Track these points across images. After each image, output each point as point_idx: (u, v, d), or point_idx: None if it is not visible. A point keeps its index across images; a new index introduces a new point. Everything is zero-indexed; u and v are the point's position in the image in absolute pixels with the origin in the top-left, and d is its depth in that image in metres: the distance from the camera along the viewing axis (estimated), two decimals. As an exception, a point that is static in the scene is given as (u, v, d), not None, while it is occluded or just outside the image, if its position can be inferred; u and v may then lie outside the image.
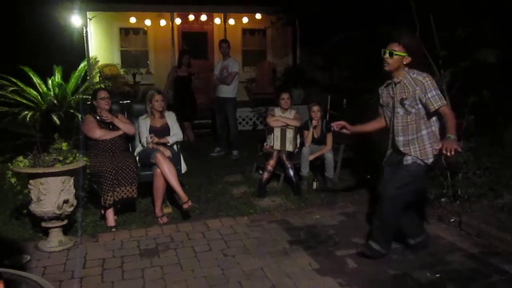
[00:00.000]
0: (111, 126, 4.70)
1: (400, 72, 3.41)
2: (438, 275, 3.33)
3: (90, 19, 9.71)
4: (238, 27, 11.39)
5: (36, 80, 6.76)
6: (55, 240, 3.87)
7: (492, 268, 3.43)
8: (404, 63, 3.38)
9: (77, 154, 3.96)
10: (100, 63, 10.27)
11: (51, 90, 6.74)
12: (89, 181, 4.38)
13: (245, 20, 11.25)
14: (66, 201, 3.79)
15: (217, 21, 11.06)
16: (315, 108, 5.64)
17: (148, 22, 10.88)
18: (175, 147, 4.93)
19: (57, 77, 6.85)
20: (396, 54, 3.35)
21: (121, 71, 10.71)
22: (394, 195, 3.40)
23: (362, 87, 5.50)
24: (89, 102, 4.93)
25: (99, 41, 10.68)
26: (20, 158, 3.79)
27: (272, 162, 5.39)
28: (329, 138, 5.64)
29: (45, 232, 3.94)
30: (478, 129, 4.84)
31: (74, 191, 3.92)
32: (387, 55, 3.38)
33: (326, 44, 6.80)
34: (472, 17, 4.74)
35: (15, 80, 6.53)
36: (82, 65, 7.31)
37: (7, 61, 6.63)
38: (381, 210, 3.50)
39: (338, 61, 8.91)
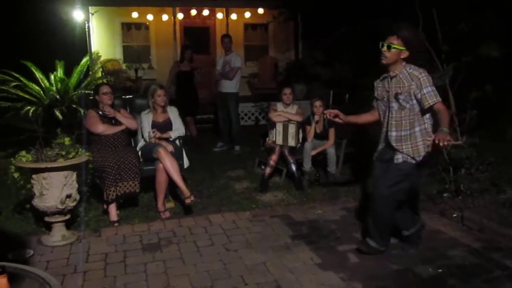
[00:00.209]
0: (113, 121, 4.70)
1: (397, 66, 3.38)
2: (440, 270, 3.33)
3: (92, 14, 9.71)
4: (240, 22, 11.37)
5: (39, 75, 6.77)
6: (58, 235, 3.89)
7: (494, 263, 3.43)
8: (402, 57, 3.35)
9: (80, 149, 3.96)
10: (102, 58, 10.27)
11: (54, 85, 6.74)
12: (92, 176, 4.39)
13: (247, 14, 11.22)
14: (68, 196, 3.80)
15: (219, 16, 11.04)
16: (317, 103, 5.63)
17: (150, 17, 10.86)
18: (177, 142, 4.93)
19: (60, 72, 6.85)
20: (394, 48, 3.32)
21: (123, 66, 10.71)
22: (386, 194, 3.39)
23: (364, 82, 5.49)
24: (91, 97, 4.94)
25: (101, 36, 10.67)
26: (23, 153, 3.80)
27: (274, 157, 5.39)
28: (331, 133, 5.63)
29: (48, 226, 3.96)
30: (481, 124, 4.82)
31: (76, 186, 3.93)
32: (384, 48, 3.34)
33: (328, 38, 6.78)
34: (475, 12, 4.72)
35: (17, 75, 6.53)
36: (84, 60, 7.30)
37: (10, 56, 6.63)
38: (375, 209, 3.49)
39: (340, 55, 8.89)
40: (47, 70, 6.85)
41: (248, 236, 4.01)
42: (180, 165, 4.66)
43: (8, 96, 6.39)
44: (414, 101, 3.33)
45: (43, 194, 3.76)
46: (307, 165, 5.49)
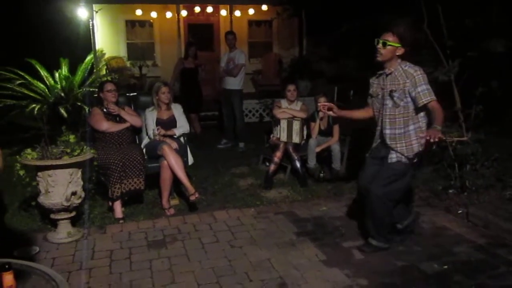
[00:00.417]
0: (118, 119, 4.71)
1: (393, 63, 3.36)
2: (445, 266, 3.33)
3: (96, 12, 9.70)
4: (244, 19, 11.34)
5: (43, 73, 6.79)
6: (64, 232, 3.91)
7: (499, 259, 3.42)
8: (397, 54, 3.33)
9: (85, 147, 3.98)
10: (106, 56, 10.28)
11: (58, 83, 6.76)
12: (97, 173, 4.40)
13: (251, 11, 11.19)
14: (74, 193, 3.82)
15: (223, 12, 11.02)
16: (322, 99, 5.59)
17: (154, 14, 10.85)
18: (181, 139, 4.94)
19: (64, 70, 6.88)
20: (389, 45, 3.30)
21: (128, 64, 10.72)
22: (380, 194, 3.38)
23: (368, 78, 5.48)
24: (95, 95, 4.95)
25: (105, 34, 10.67)
26: (28, 150, 3.81)
27: (278, 154, 5.38)
28: (336, 129, 5.62)
29: (54, 223, 3.98)
30: (486, 120, 4.79)
31: (82, 183, 3.94)
32: (380, 45, 3.33)
33: (332, 35, 6.76)
34: (480, 6, 4.69)
35: (22, 73, 6.56)
36: (88, 57, 7.33)
37: (14, 54, 6.66)
38: (371, 209, 3.48)
39: (344, 52, 8.86)
40: (52, 68, 6.88)
41: (253, 232, 4.01)
42: (185, 162, 4.67)
43: (13, 94, 6.43)
44: (409, 99, 3.31)
45: (49, 192, 3.78)
46: (312, 162, 5.48)
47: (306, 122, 5.68)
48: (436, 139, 2.98)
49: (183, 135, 4.97)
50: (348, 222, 4.20)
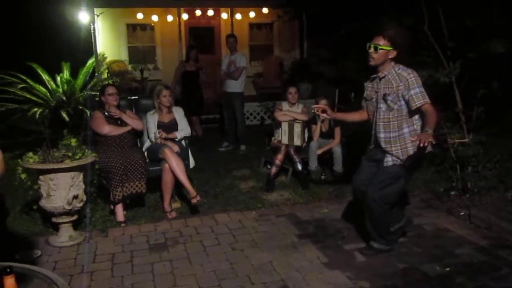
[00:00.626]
0: (119, 122, 4.72)
1: (386, 66, 3.34)
2: (447, 268, 3.32)
3: (98, 16, 9.74)
4: (245, 22, 11.37)
5: (45, 77, 6.81)
6: (66, 235, 3.91)
7: (502, 261, 3.41)
8: (390, 57, 3.31)
9: (86, 150, 3.98)
10: (107, 59, 10.31)
11: (60, 86, 6.78)
12: (98, 177, 4.41)
13: (252, 14, 11.22)
14: (75, 197, 3.82)
15: (224, 16, 11.05)
16: (323, 102, 5.59)
17: (155, 18, 10.89)
18: (183, 142, 4.94)
19: (66, 73, 6.90)
20: (381, 49, 3.28)
21: (129, 67, 10.75)
22: (376, 197, 3.37)
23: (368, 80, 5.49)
24: (97, 98, 4.95)
25: (106, 37, 10.72)
26: (30, 154, 3.82)
27: (280, 156, 5.38)
28: (337, 132, 5.62)
29: (56, 227, 3.98)
30: (488, 121, 4.78)
31: (83, 186, 3.95)
32: (371, 49, 3.30)
33: (333, 37, 6.77)
34: (481, 7, 4.69)
35: (24, 77, 6.58)
36: (90, 61, 7.34)
37: (16, 58, 6.68)
38: (370, 212, 3.47)
39: (345, 54, 8.87)
40: (53, 71, 6.90)
41: (254, 235, 4.01)
42: (186, 165, 4.67)
43: (15, 98, 6.45)
44: (402, 102, 3.29)
45: (50, 195, 3.78)
46: (313, 164, 5.47)
47: (308, 124, 5.68)
48: (426, 144, 2.95)
49: (185, 138, 4.97)
50: (350, 224, 4.19)
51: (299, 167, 5.34)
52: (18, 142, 6.63)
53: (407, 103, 3.27)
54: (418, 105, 3.21)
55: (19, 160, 3.90)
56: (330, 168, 5.61)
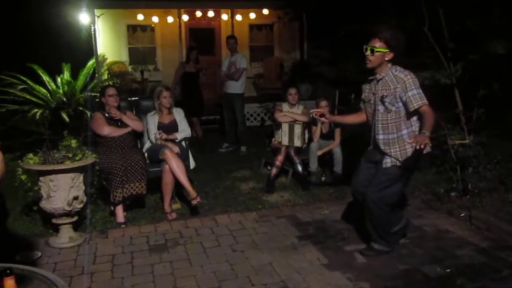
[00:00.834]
0: (119, 123, 4.72)
1: (383, 68, 3.34)
2: (448, 270, 3.31)
3: (98, 17, 9.75)
4: (245, 23, 11.37)
5: (45, 78, 6.81)
6: (66, 236, 3.90)
7: (502, 262, 3.41)
8: (387, 59, 3.30)
9: (86, 151, 3.98)
10: (108, 60, 10.33)
11: (60, 87, 6.77)
12: (98, 178, 4.40)
13: (252, 15, 11.22)
14: (75, 198, 3.82)
15: (224, 17, 11.05)
16: (323, 103, 5.61)
17: (155, 19, 10.90)
18: (183, 143, 4.94)
19: (66, 74, 6.89)
20: (377, 51, 3.28)
21: (129, 68, 10.76)
22: (375, 199, 3.37)
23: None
24: (97, 99, 4.96)
25: (107, 39, 10.72)
26: (30, 155, 3.82)
27: (280, 157, 5.38)
28: (338, 133, 5.62)
29: (56, 228, 3.98)
30: (488, 123, 4.78)
31: (83, 187, 3.95)
32: (368, 52, 3.31)
33: (333, 38, 6.77)
34: (481, 7, 4.68)
35: (24, 78, 6.57)
36: (90, 62, 7.34)
37: (16, 59, 6.68)
38: (370, 214, 3.46)
39: (345, 55, 8.87)
40: (54, 72, 6.89)
41: (255, 236, 4.00)
42: (186, 166, 4.67)
43: (15, 99, 6.44)
44: (400, 104, 3.29)
45: (51, 196, 3.78)
46: (313, 165, 5.48)
47: (308, 125, 5.68)
48: (422, 146, 2.94)
49: (185, 139, 4.97)
50: (350, 225, 4.19)
51: (300, 168, 5.33)
52: (18, 143, 6.61)
53: (405, 104, 3.27)
54: (416, 107, 3.21)
55: (19, 161, 3.90)
56: (331, 169, 5.61)
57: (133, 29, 11.22)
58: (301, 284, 3.18)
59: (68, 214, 3.87)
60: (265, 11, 10.85)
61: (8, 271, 1.84)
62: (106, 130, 4.59)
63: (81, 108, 6.37)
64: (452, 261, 3.44)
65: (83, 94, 6.75)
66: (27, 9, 9.27)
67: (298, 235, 4.02)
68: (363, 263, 3.48)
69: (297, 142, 5.47)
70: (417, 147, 2.96)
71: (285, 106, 5.74)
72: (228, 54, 7.60)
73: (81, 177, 3.92)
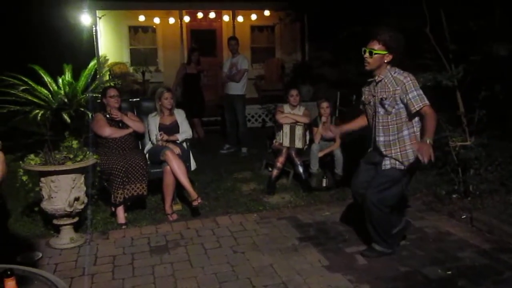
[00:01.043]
0: (120, 124, 4.72)
1: (382, 70, 3.33)
2: (449, 272, 3.30)
3: (100, 18, 9.76)
4: (246, 24, 11.38)
5: (47, 79, 6.83)
6: (66, 237, 3.90)
7: (503, 264, 3.40)
8: (385, 61, 3.29)
9: (87, 152, 3.98)
10: (109, 62, 10.34)
11: (62, 88, 6.79)
12: (99, 179, 4.40)
13: (253, 17, 11.23)
14: (77, 199, 3.82)
15: (226, 18, 11.06)
16: (324, 104, 5.62)
17: (157, 20, 10.91)
18: (184, 144, 4.94)
19: (68, 75, 6.91)
20: (376, 53, 3.27)
21: (131, 69, 10.77)
22: (374, 200, 3.36)
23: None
24: (98, 100, 4.96)
25: (108, 40, 10.73)
26: (32, 156, 3.82)
27: (281, 159, 5.37)
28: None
29: (57, 229, 3.98)
30: (490, 124, 4.78)
31: (84, 188, 3.95)
32: (366, 54, 3.30)
33: (334, 39, 6.77)
34: (482, 8, 4.68)
35: (26, 79, 6.59)
36: (91, 63, 7.36)
37: (18, 60, 6.69)
38: (370, 216, 3.45)
39: (346, 56, 8.86)
40: (55, 73, 6.92)
41: (256, 238, 4.00)
42: (187, 167, 4.67)
43: (16, 100, 6.46)
44: (400, 105, 3.28)
45: (52, 197, 3.79)
46: (314, 167, 5.47)
47: (309, 127, 5.67)
48: (426, 159, 2.93)
49: (186, 140, 4.97)
50: (351, 227, 4.18)
51: (300, 169, 5.33)
52: (19, 144, 6.62)
53: (406, 106, 3.27)
54: (417, 108, 3.21)
55: (21, 162, 3.90)
56: (332, 171, 5.60)
57: (135, 30, 11.24)
58: (302, 285, 3.17)
59: (69, 215, 3.87)
60: (267, 13, 10.86)
61: (9, 272, 1.84)
62: (107, 131, 4.60)
63: (82, 109, 6.39)
64: (453, 263, 3.43)
65: (84, 95, 6.77)
66: (29, 10, 9.30)
67: (299, 236, 4.02)
68: (364, 264, 3.47)
69: (298, 144, 5.46)
70: (421, 159, 2.95)
71: (286, 108, 5.74)
72: (229, 56, 7.60)
73: (82, 178, 3.92)
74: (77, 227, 4.07)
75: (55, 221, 3.91)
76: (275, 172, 5.35)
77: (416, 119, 3.34)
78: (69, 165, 3.75)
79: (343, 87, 7.88)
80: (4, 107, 6.32)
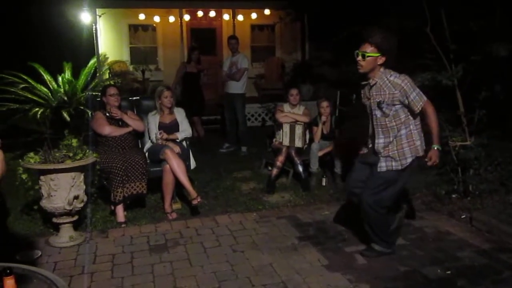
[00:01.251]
0: (120, 123, 4.72)
1: (376, 73, 3.32)
2: (448, 272, 3.30)
3: (100, 16, 9.75)
4: (247, 23, 11.37)
5: (47, 77, 6.82)
6: (66, 236, 3.90)
7: (503, 264, 3.40)
8: (379, 63, 3.28)
9: (87, 151, 3.98)
10: (109, 60, 10.33)
11: (61, 86, 6.79)
12: (99, 177, 4.40)
13: (253, 16, 11.22)
14: (76, 197, 3.82)
15: (226, 17, 11.05)
16: (324, 104, 5.62)
17: (157, 19, 10.90)
18: (184, 143, 4.94)
19: (67, 73, 6.91)
20: (368, 56, 3.25)
21: (130, 68, 10.76)
22: (370, 202, 3.36)
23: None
24: (98, 99, 4.96)
25: (108, 38, 10.72)
26: (31, 154, 3.82)
27: (281, 158, 5.37)
28: (339, 134, 5.61)
29: (56, 227, 3.98)
30: (490, 124, 4.78)
31: (84, 187, 3.95)
32: (359, 57, 3.29)
33: (335, 38, 6.77)
34: (483, 9, 4.67)
35: (25, 77, 6.58)
36: (91, 62, 7.35)
37: (18, 58, 6.69)
38: (367, 217, 3.46)
39: (347, 56, 8.86)
40: (55, 71, 6.91)
41: (255, 237, 4.00)
42: (187, 166, 4.67)
43: (16, 98, 6.45)
44: (398, 106, 3.29)
45: (51, 195, 3.78)
46: (314, 166, 5.47)
47: (309, 126, 5.67)
48: (431, 164, 3.28)
49: (186, 139, 4.97)
50: (351, 226, 4.18)
51: (300, 169, 5.33)
52: (19, 142, 6.63)
53: (409, 108, 3.28)
54: (419, 108, 3.25)
55: (20, 160, 3.89)
56: (331, 170, 5.61)
57: (135, 29, 11.23)
58: (301, 285, 3.17)
59: (68, 213, 3.87)
60: (267, 12, 10.85)
61: (8, 271, 1.84)
62: (107, 130, 4.59)
63: (82, 108, 6.38)
64: (452, 263, 3.43)
65: (84, 93, 6.77)
66: (29, 9, 9.28)
67: (299, 235, 4.02)
68: (363, 264, 3.47)
69: (298, 143, 5.46)
70: (428, 164, 3.26)
71: (286, 107, 5.74)
72: (229, 54, 7.59)
73: (82, 177, 3.92)
74: (76, 226, 4.07)
75: (54, 220, 3.91)
76: (274, 171, 5.35)
77: (415, 117, 3.35)
78: (69, 164, 3.74)
79: (343, 87, 7.87)
80: (4, 105, 6.31)
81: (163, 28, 11.19)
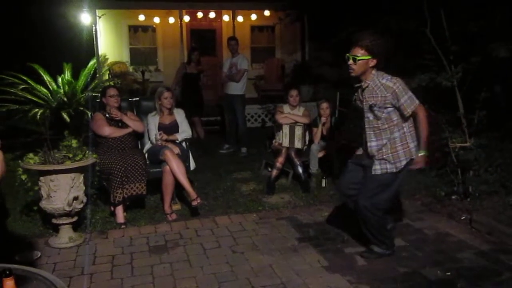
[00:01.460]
0: (120, 124, 4.71)
1: (368, 75, 3.31)
2: (448, 273, 3.30)
3: (100, 17, 9.76)
4: (246, 24, 11.37)
5: (46, 77, 6.83)
6: (65, 237, 3.90)
7: (503, 265, 3.40)
8: (370, 66, 3.27)
9: (87, 151, 3.98)
10: (109, 61, 10.33)
11: (61, 87, 6.80)
12: (99, 178, 4.40)
13: (253, 17, 11.23)
14: (76, 198, 3.82)
15: (226, 18, 11.05)
16: (324, 105, 5.62)
17: (156, 20, 10.90)
18: (184, 144, 4.94)
19: (67, 74, 6.91)
20: (359, 59, 3.24)
21: (130, 69, 10.76)
22: (367, 205, 3.36)
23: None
24: (98, 100, 4.96)
25: (108, 39, 10.72)
26: (31, 155, 3.82)
27: (280, 159, 5.37)
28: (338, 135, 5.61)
29: (56, 228, 3.97)
30: (489, 125, 4.77)
31: (83, 188, 3.94)
32: (350, 61, 3.28)
33: (335, 39, 6.77)
34: (482, 7, 4.67)
35: (25, 78, 6.59)
36: (91, 62, 7.36)
37: (18, 59, 6.69)
38: (364, 220, 3.45)
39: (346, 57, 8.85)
40: (55, 72, 6.92)
41: (255, 238, 4.00)
42: (187, 167, 4.67)
43: (16, 98, 6.46)
44: (390, 109, 3.29)
45: (51, 196, 3.78)
46: (314, 167, 5.47)
47: (309, 127, 5.67)
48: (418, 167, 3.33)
49: (185, 140, 4.97)
50: (350, 227, 4.17)
51: (300, 170, 5.32)
52: (18, 142, 6.63)
53: (399, 111, 3.28)
54: (410, 112, 3.25)
55: (20, 161, 3.90)
56: (331, 171, 5.60)
57: (135, 30, 11.23)
58: (301, 286, 3.17)
59: (68, 214, 3.86)
60: (267, 13, 10.85)
61: (7, 272, 1.83)
62: (107, 131, 4.59)
63: (81, 108, 6.38)
64: (452, 264, 3.43)
65: (84, 94, 6.77)
66: (29, 9, 9.28)
67: (298, 237, 4.01)
68: (363, 265, 3.47)
69: (298, 144, 5.46)
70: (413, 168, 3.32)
71: (286, 108, 5.74)
72: (229, 55, 7.59)
73: (81, 177, 3.92)
74: (76, 227, 4.07)
75: (54, 220, 3.90)
76: (274, 172, 5.34)
77: (407, 119, 3.35)
78: (68, 165, 3.74)
79: (343, 88, 7.87)
80: (4, 105, 6.32)
81: (163, 29, 11.19)
